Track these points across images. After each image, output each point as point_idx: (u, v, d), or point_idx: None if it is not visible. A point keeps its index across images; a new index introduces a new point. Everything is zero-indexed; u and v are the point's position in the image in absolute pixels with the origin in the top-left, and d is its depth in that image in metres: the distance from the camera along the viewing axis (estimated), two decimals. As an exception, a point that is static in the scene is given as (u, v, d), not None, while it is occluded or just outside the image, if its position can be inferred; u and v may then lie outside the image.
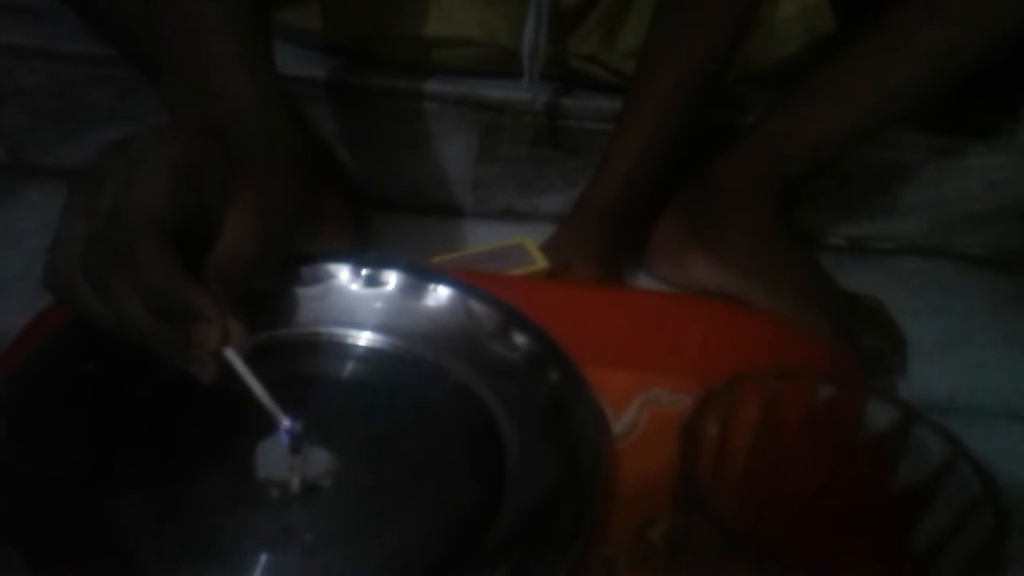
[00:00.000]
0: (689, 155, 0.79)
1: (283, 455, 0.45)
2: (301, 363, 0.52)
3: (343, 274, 0.55)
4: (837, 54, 0.71)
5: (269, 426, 0.46)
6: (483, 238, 0.81)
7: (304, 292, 0.53)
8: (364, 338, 0.53)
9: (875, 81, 0.68)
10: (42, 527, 0.41)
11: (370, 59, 0.78)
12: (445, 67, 0.79)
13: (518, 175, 0.82)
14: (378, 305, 0.54)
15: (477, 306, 0.53)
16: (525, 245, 0.68)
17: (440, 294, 0.54)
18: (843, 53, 0.70)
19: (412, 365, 0.52)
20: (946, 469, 0.38)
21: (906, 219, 0.85)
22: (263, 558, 0.43)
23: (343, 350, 0.52)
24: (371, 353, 0.52)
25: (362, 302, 0.54)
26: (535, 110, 0.77)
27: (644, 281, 0.77)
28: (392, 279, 0.55)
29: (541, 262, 0.66)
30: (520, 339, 0.51)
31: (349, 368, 0.52)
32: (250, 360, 0.47)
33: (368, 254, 0.64)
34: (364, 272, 0.55)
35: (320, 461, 0.45)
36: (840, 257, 0.83)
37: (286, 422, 0.43)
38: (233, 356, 0.43)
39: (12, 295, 0.67)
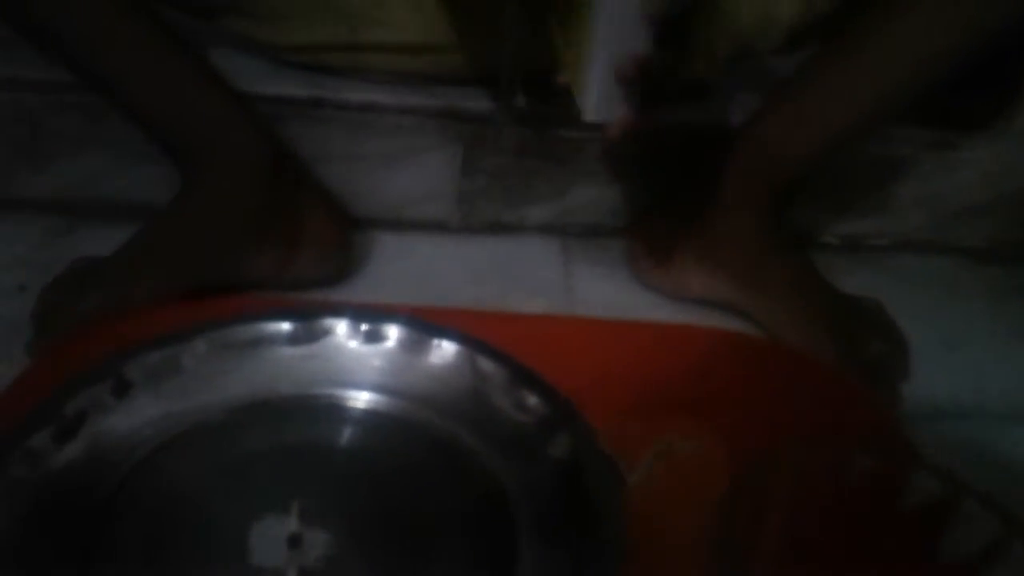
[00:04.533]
0: (679, 160, 0.77)
1: (279, 538, 0.43)
2: (296, 429, 0.49)
3: (341, 329, 0.52)
4: (828, 52, 0.69)
5: (265, 504, 0.44)
6: (471, 254, 0.79)
7: (299, 351, 0.51)
8: (364, 400, 0.51)
9: (868, 82, 0.66)
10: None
11: (343, 72, 0.76)
12: (422, 76, 0.76)
13: (504, 187, 0.80)
14: (378, 363, 0.51)
15: (484, 364, 0.51)
16: None
17: (445, 351, 0.51)
18: (834, 51, 0.68)
19: (416, 430, 0.49)
20: (997, 548, 0.36)
21: (901, 215, 0.83)
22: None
23: (341, 413, 0.50)
24: (371, 417, 0.50)
25: (361, 360, 0.51)
26: (518, 119, 0.75)
27: (634, 291, 0.75)
28: (393, 334, 0.52)
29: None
30: (530, 400, 0.49)
31: (347, 434, 0.49)
32: (245, 426, 0.45)
33: (369, 299, 0.61)
34: (363, 327, 0.52)
35: (317, 544, 0.43)
36: (835, 256, 0.82)
37: None
38: None
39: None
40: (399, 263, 0.76)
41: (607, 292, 0.75)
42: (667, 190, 0.77)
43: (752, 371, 0.55)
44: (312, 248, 0.71)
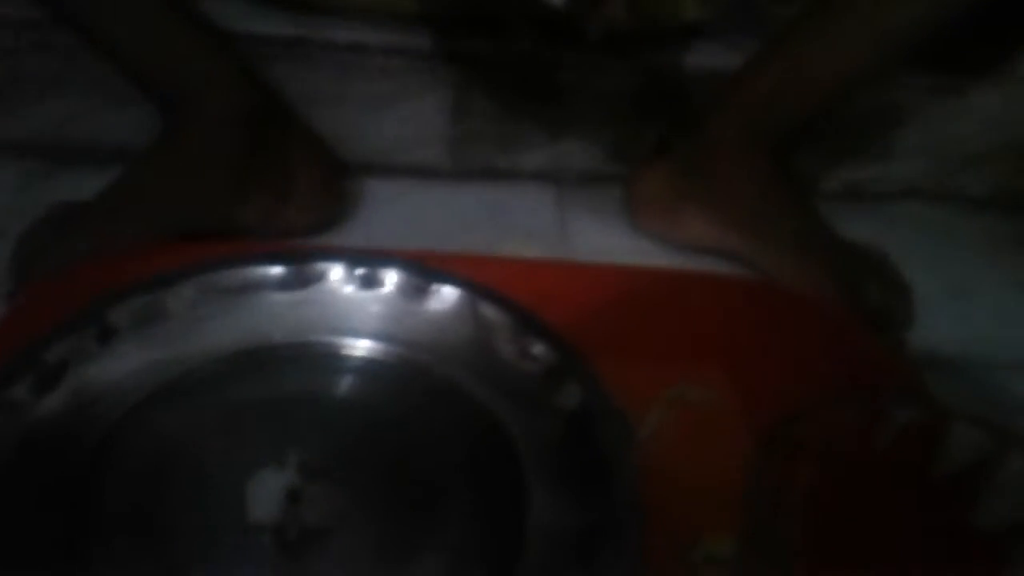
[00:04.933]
0: (679, 103, 0.75)
1: (277, 492, 0.41)
2: (290, 379, 0.47)
3: (335, 274, 0.50)
4: None
5: (261, 457, 0.42)
6: (463, 200, 0.76)
7: (292, 296, 0.49)
8: (360, 348, 0.48)
9: (873, 22, 0.64)
10: None
11: (329, 11, 0.73)
12: (412, 16, 0.73)
13: (497, 131, 0.77)
14: (375, 309, 0.49)
15: (487, 310, 0.48)
16: None
17: (445, 296, 0.49)
18: None
19: (416, 379, 0.47)
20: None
21: (903, 161, 0.81)
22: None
23: (337, 362, 0.47)
24: (369, 365, 0.48)
25: (358, 306, 0.49)
26: (515, 60, 0.72)
27: (632, 239, 0.73)
28: (390, 279, 0.50)
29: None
30: (536, 348, 0.47)
31: (344, 384, 0.47)
32: (236, 375, 0.43)
33: (361, 246, 0.59)
34: (359, 272, 0.50)
35: (317, 498, 0.41)
36: (837, 204, 0.80)
37: None
38: None
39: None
40: (389, 209, 0.74)
41: (604, 240, 0.73)
42: (666, 135, 0.74)
43: (767, 319, 0.53)
44: (300, 195, 0.69)
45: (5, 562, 0.38)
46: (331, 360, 0.47)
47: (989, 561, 0.36)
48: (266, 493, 0.41)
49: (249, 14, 0.72)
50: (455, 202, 0.76)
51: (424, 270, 0.49)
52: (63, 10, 0.66)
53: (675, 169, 0.72)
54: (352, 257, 0.49)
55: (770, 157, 0.70)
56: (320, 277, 0.49)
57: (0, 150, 0.75)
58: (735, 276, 0.66)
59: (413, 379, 0.47)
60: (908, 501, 0.37)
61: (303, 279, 0.49)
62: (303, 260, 0.49)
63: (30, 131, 0.75)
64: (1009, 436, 0.35)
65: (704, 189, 0.70)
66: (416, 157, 0.78)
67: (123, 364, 0.45)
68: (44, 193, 0.71)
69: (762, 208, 0.69)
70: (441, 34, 0.72)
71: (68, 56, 0.72)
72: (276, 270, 0.49)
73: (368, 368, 0.48)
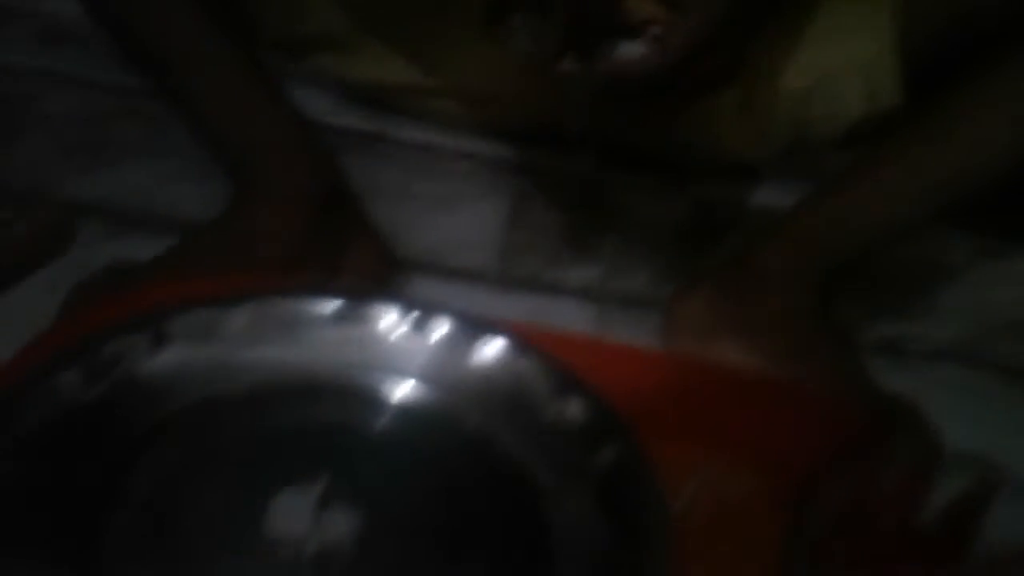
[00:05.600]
0: (728, 236, 0.77)
1: (302, 512, 0.41)
2: (329, 410, 0.48)
3: (388, 315, 0.51)
4: (886, 147, 0.69)
5: (287, 479, 0.42)
6: (506, 309, 0.77)
7: (343, 333, 0.50)
8: (402, 389, 0.49)
9: (923, 172, 0.67)
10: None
11: (405, 112, 0.77)
12: (485, 125, 0.77)
13: (548, 245, 0.79)
14: (422, 354, 0.50)
15: (531, 365, 0.49)
16: None
17: (492, 348, 0.50)
18: (892, 138, 0.69)
19: (453, 426, 0.47)
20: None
21: (944, 321, 0.82)
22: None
23: (377, 400, 0.48)
24: (410, 407, 0.48)
25: (405, 349, 0.50)
26: (576, 176, 0.75)
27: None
28: (441, 326, 0.51)
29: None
30: (576, 408, 0.47)
31: (383, 422, 0.48)
32: (275, 400, 0.43)
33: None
34: (412, 316, 0.51)
35: (340, 522, 0.41)
36: (873, 357, 0.80)
37: None
38: None
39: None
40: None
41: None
42: (710, 265, 0.76)
43: (802, 418, 0.53)
44: (348, 282, 0.71)
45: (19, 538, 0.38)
46: (370, 397, 0.48)
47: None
48: (291, 512, 0.41)
49: (332, 106, 0.76)
50: (498, 308, 0.78)
51: (474, 321, 0.50)
52: (154, 72, 0.70)
53: (717, 296, 0.73)
54: (407, 301, 0.50)
55: (814, 294, 0.71)
56: (373, 317, 0.50)
57: (69, 208, 0.78)
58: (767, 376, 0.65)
59: (449, 425, 0.47)
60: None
61: (356, 317, 0.50)
62: (359, 299, 0.50)
63: (103, 193, 0.79)
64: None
65: (745, 318, 0.71)
66: (466, 260, 0.80)
67: (171, 371, 0.46)
68: (104, 254, 0.73)
69: (804, 343, 0.70)
70: (506, 142, 0.75)
71: (155, 125, 0.76)
72: (332, 305, 0.50)
73: (407, 410, 0.48)
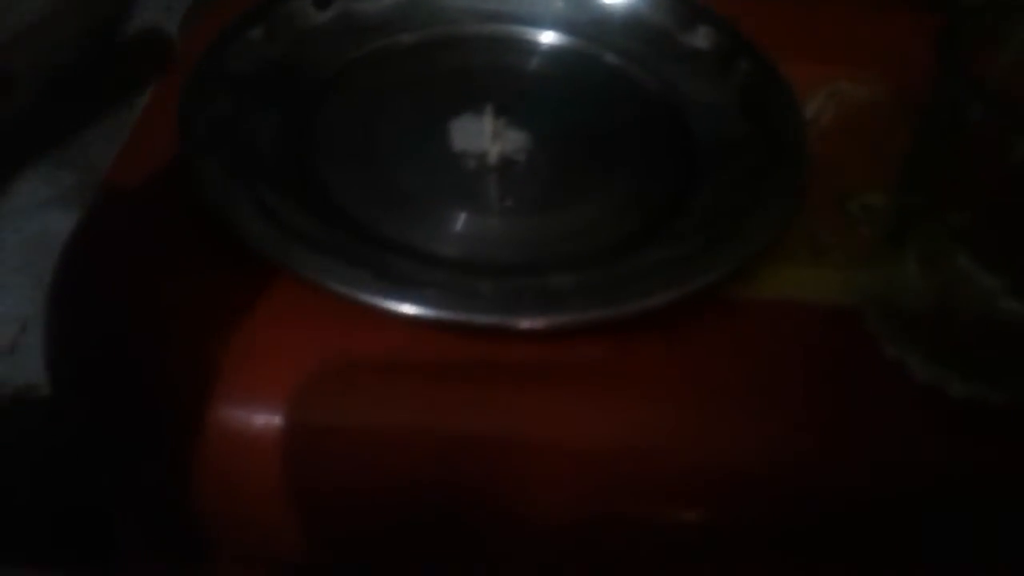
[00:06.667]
0: None
1: (478, 131, 0.46)
2: (481, 57, 0.53)
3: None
4: None
5: (461, 106, 0.47)
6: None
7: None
8: (546, 34, 0.54)
9: None
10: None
11: None
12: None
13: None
14: (561, 3, 0.54)
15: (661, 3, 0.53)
16: None
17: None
18: None
19: (597, 60, 0.53)
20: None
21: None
22: (463, 216, 0.45)
23: (524, 45, 0.53)
24: (554, 51, 0.53)
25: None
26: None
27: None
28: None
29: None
30: (709, 32, 0.52)
31: (533, 63, 0.53)
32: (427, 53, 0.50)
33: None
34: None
35: (514, 138, 0.47)
36: None
37: None
38: None
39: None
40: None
41: None
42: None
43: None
44: None
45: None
46: (518, 43, 0.54)
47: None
48: (470, 130, 0.47)
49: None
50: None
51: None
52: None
53: None
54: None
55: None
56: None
57: None
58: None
59: (594, 61, 0.53)
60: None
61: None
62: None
63: None
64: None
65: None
66: None
67: (340, 28, 0.52)
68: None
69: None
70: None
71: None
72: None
73: (552, 52, 0.54)
